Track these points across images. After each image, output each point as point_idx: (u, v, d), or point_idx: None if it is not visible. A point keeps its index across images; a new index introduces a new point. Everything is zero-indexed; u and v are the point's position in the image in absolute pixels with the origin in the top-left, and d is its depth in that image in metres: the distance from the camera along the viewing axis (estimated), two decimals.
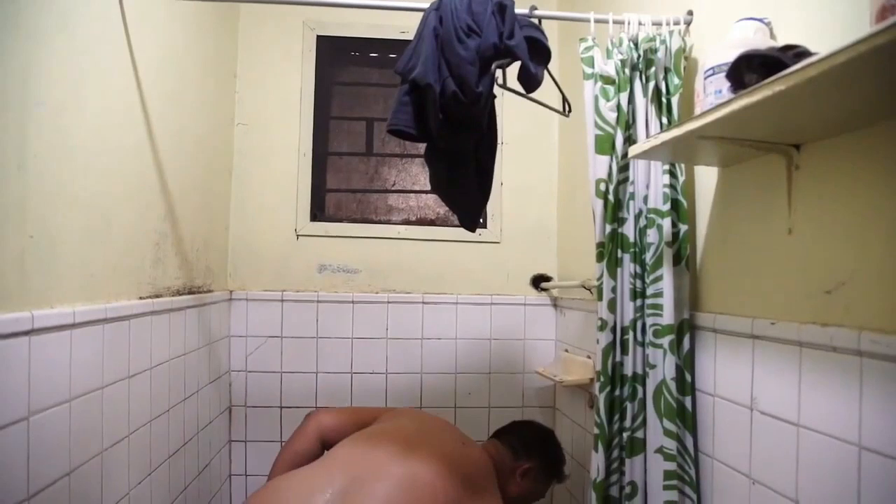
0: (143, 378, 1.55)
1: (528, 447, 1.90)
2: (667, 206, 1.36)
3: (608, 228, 1.43)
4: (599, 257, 1.44)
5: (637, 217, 1.42)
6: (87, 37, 1.29)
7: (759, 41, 1.10)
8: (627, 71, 1.41)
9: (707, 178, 1.38)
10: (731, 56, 1.02)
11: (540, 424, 2.10)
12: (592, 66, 1.45)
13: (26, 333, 1.06)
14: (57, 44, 1.18)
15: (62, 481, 1.17)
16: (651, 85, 1.39)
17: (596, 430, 1.43)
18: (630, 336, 1.42)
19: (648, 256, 1.39)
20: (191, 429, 1.95)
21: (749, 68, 0.94)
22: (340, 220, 2.60)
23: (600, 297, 1.44)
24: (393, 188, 2.67)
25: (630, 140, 1.42)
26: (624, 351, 1.43)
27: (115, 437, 1.40)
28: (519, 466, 1.85)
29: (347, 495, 1.45)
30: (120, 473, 1.43)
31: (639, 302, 1.41)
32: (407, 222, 2.63)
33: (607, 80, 1.43)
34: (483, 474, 1.71)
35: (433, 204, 2.66)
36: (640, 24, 1.44)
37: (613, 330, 1.43)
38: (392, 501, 1.46)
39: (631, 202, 1.43)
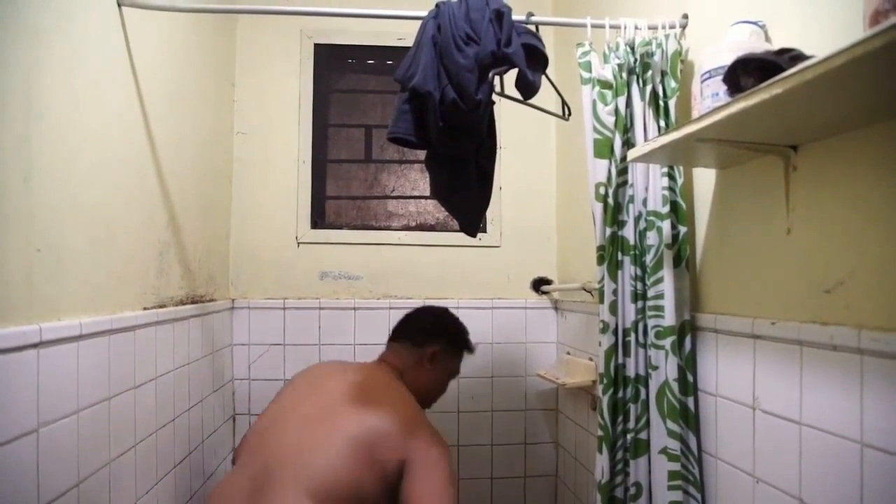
0: (148, 388, 1.56)
1: (426, 332, 1.88)
2: (666, 209, 1.37)
3: (608, 231, 1.44)
4: (600, 260, 1.45)
5: (637, 220, 1.44)
6: (87, 44, 1.30)
7: (754, 44, 1.11)
8: (624, 75, 1.43)
9: (705, 180, 1.39)
10: (727, 59, 1.04)
11: (430, 306, 2.09)
12: (590, 71, 1.46)
13: (34, 346, 1.07)
14: (56, 50, 1.18)
15: (71, 492, 1.17)
16: (648, 88, 1.41)
17: (600, 432, 1.43)
18: (632, 338, 1.43)
19: (649, 259, 1.40)
20: (196, 437, 1.95)
21: (745, 72, 0.96)
22: (341, 227, 2.61)
23: (602, 300, 1.45)
24: (392, 194, 2.68)
25: (628, 143, 1.43)
26: (626, 353, 1.44)
27: (122, 447, 1.41)
28: (424, 354, 1.84)
29: (257, 494, 1.42)
30: (127, 483, 1.43)
31: (640, 304, 1.43)
32: (407, 228, 2.64)
33: (605, 84, 1.45)
34: (384, 393, 1.64)
35: (433, 209, 2.67)
36: (636, 28, 1.46)
37: (615, 332, 1.44)
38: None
39: (630, 205, 1.44)
